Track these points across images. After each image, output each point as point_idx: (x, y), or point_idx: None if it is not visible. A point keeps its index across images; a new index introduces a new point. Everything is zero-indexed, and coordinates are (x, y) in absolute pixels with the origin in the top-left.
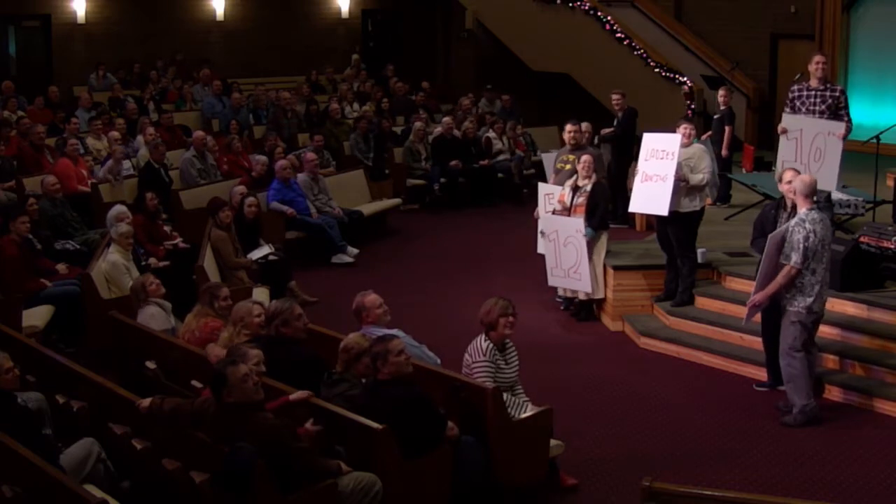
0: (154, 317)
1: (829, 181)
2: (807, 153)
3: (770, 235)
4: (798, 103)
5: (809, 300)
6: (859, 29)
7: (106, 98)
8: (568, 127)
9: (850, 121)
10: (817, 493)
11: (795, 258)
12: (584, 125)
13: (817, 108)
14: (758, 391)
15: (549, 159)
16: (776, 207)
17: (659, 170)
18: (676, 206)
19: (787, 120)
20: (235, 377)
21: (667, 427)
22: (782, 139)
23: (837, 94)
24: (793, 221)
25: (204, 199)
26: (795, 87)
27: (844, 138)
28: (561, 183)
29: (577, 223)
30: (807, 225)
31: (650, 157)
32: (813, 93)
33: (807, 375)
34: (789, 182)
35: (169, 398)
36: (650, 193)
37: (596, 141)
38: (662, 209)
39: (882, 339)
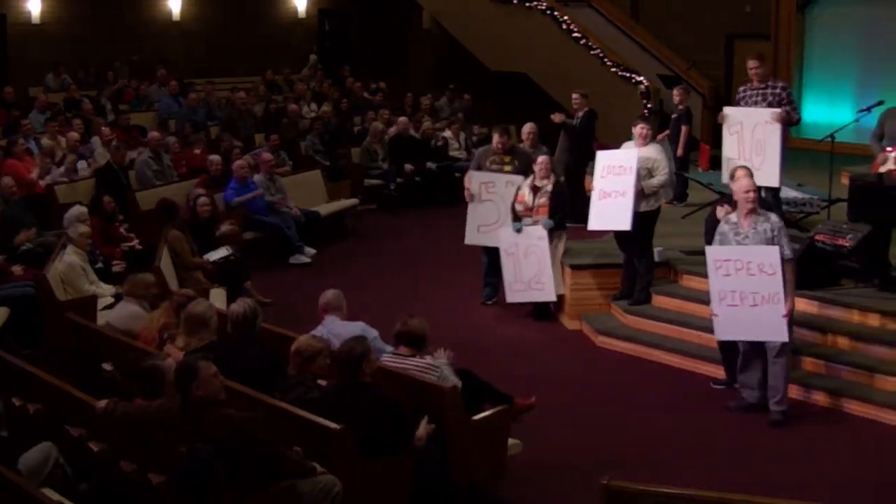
0: (137, 317)
1: (771, 176)
2: (748, 148)
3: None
4: (742, 104)
5: None
6: (814, 28)
7: (62, 99)
8: (496, 138)
9: (794, 111)
10: (776, 491)
11: (789, 252)
12: (530, 126)
13: (760, 105)
14: (715, 389)
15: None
16: (730, 202)
17: (617, 186)
18: (634, 206)
19: (729, 111)
20: (207, 372)
21: (625, 425)
22: (725, 135)
23: (779, 89)
24: (771, 225)
25: None
26: (741, 89)
27: (790, 125)
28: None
29: (539, 231)
30: (778, 220)
31: (607, 173)
32: (755, 91)
33: None
34: (747, 191)
35: (123, 402)
36: (610, 210)
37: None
38: (624, 224)
39: (840, 336)
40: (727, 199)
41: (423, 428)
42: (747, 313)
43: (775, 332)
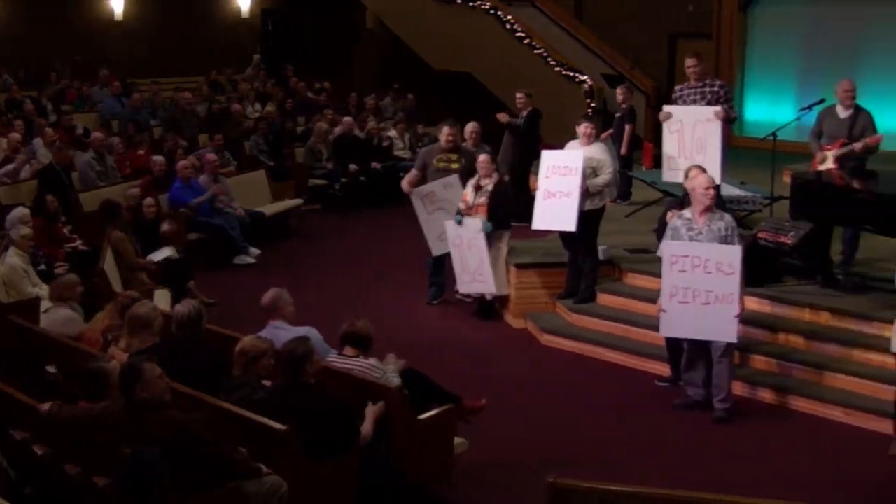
0: (71, 320)
1: (712, 174)
2: (689, 146)
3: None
4: (680, 102)
5: None
6: (756, 28)
7: (3, 100)
8: (446, 130)
9: (731, 109)
10: (723, 488)
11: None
12: (472, 125)
13: (698, 104)
14: (660, 387)
15: (421, 152)
16: (680, 205)
17: (562, 186)
18: (579, 206)
19: (670, 109)
20: (152, 374)
21: (570, 423)
22: (665, 133)
23: (717, 88)
24: (725, 224)
25: None
26: (678, 88)
27: (729, 123)
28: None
29: (477, 224)
30: (732, 220)
31: (551, 173)
32: (693, 90)
33: None
34: (707, 188)
35: (67, 405)
36: (555, 210)
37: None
38: (569, 225)
39: (791, 334)
40: (677, 203)
41: (368, 421)
42: (697, 311)
43: (724, 332)
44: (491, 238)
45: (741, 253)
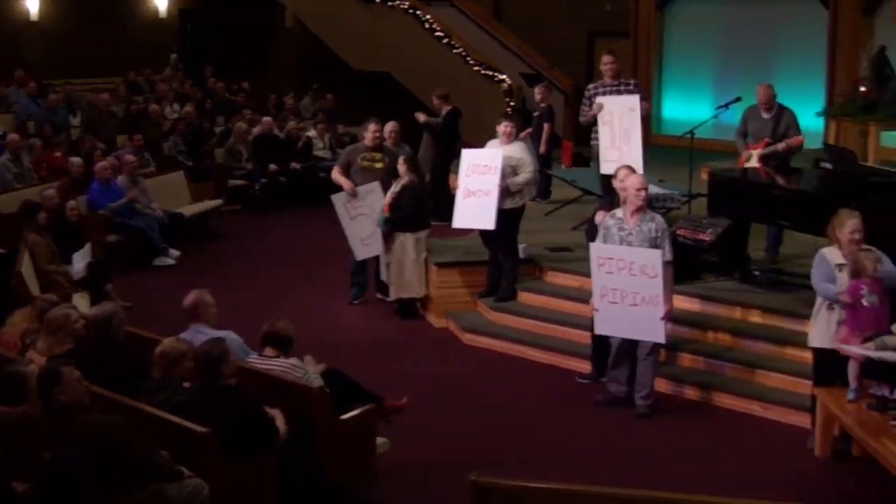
0: None
1: (636, 160)
2: (618, 136)
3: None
4: (595, 101)
5: None
6: (673, 27)
7: None
8: (372, 127)
9: (648, 107)
10: (641, 483)
11: (670, 254)
12: (392, 124)
13: None
14: (581, 384)
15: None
16: (610, 205)
17: (482, 185)
18: (499, 204)
19: (602, 101)
20: (70, 377)
21: (493, 422)
22: (599, 125)
23: (631, 86)
24: (656, 226)
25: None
26: (591, 86)
27: (645, 115)
28: (369, 181)
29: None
30: (664, 222)
31: (471, 172)
32: (608, 88)
33: None
34: (639, 189)
35: None
36: (474, 209)
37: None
38: (489, 223)
39: (721, 332)
40: (608, 203)
41: (280, 420)
42: (626, 312)
43: (652, 332)
44: (404, 239)
45: (668, 256)
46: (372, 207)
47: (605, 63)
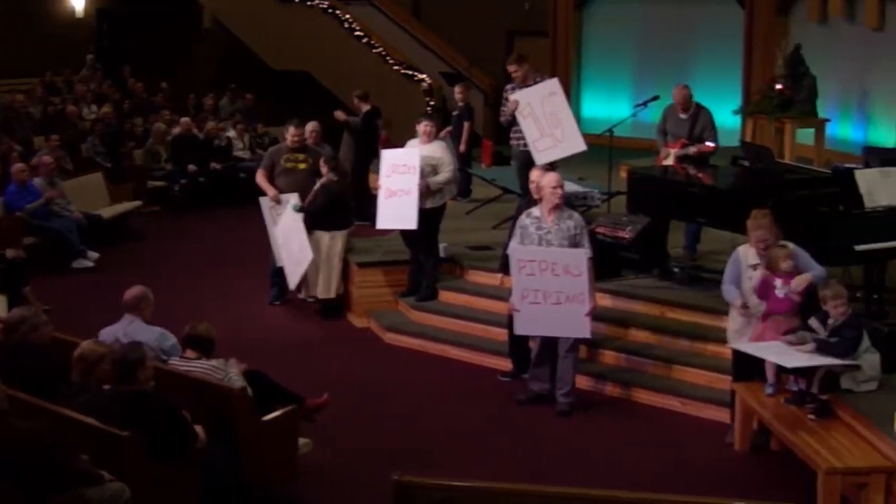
0: None
1: (576, 143)
2: (546, 124)
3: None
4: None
5: None
6: (591, 26)
7: None
8: (292, 130)
9: None
10: (565, 480)
11: (590, 251)
12: (312, 124)
13: None
14: (503, 381)
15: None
16: (528, 203)
17: (402, 185)
18: (420, 203)
19: (516, 96)
20: None
21: (415, 421)
22: (521, 122)
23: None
24: (574, 223)
25: None
26: (508, 86)
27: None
28: (293, 181)
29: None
30: (581, 219)
31: (392, 172)
32: (524, 86)
33: None
34: (555, 186)
35: None
36: (396, 209)
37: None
38: (410, 223)
39: (640, 329)
40: (534, 203)
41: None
42: (550, 311)
43: (577, 329)
44: (319, 237)
45: (588, 252)
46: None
47: (512, 72)
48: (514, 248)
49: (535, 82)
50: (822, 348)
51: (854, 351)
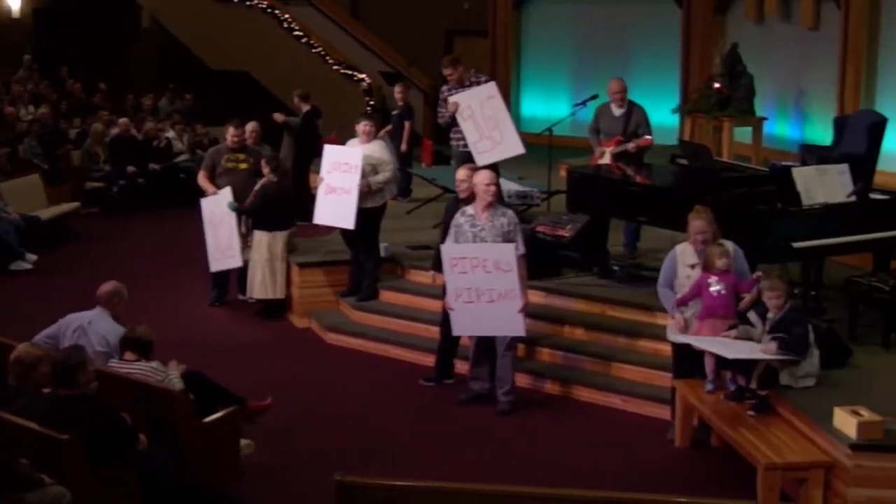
0: None
1: (514, 146)
2: (485, 126)
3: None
4: (449, 101)
5: None
6: (530, 25)
7: None
8: (231, 131)
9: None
10: (507, 478)
11: (523, 248)
12: (252, 124)
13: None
14: (445, 382)
15: (209, 153)
16: (457, 202)
17: (343, 183)
18: (359, 202)
19: (455, 98)
20: None
21: (357, 421)
22: (461, 123)
23: (482, 82)
24: (508, 220)
25: None
26: (445, 87)
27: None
28: (234, 182)
29: (227, 196)
30: (514, 216)
31: (333, 169)
32: (459, 91)
33: None
34: (488, 184)
35: None
36: (335, 206)
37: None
38: (348, 223)
39: (577, 327)
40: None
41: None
42: (484, 309)
43: (511, 327)
44: (260, 238)
45: (521, 249)
46: (229, 216)
47: (447, 75)
48: (446, 247)
49: (471, 83)
50: (782, 346)
51: (808, 347)
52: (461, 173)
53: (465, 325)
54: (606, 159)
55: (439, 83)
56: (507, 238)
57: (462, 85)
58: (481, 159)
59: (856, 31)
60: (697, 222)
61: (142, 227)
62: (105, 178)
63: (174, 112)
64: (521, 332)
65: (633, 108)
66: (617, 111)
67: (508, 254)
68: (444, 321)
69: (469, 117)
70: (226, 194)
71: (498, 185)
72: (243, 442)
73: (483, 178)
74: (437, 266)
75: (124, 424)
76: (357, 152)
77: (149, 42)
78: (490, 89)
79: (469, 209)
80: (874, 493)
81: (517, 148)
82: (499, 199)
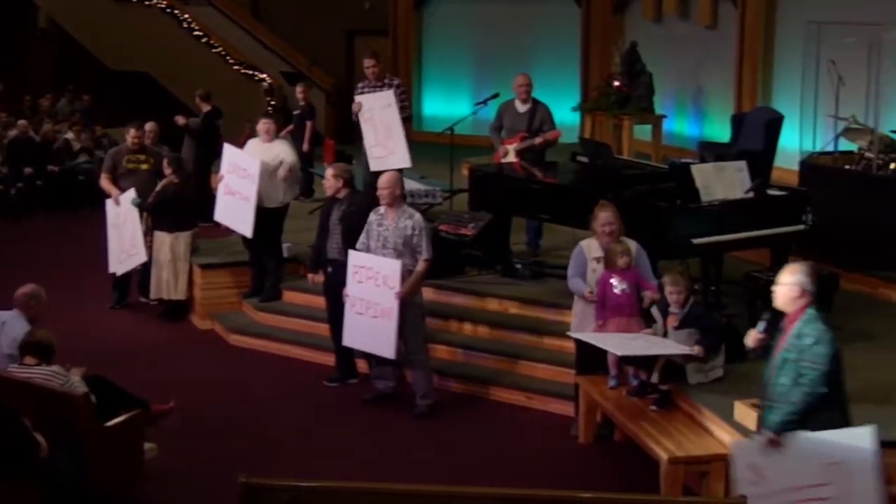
0: None
1: (402, 158)
2: (380, 133)
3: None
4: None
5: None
6: (431, 25)
7: None
8: (133, 132)
9: (404, 109)
10: (416, 478)
11: (427, 253)
12: (150, 125)
13: None
14: (349, 383)
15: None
16: (331, 201)
17: (241, 188)
18: (261, 203)
19: (360, 99)
20: None
21: (262, 423)
22: (361, 124)
23: (393, 86)
24: (413, 223)
25: None
26: (359, 85)
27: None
28: (136, 182)
29: (129, 195)
30: (422, 220)
31: (232, 170)
32: (373, 88)
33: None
34: (384, 187)
35: None
36: (234, 209)
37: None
38: (246, 230)
39: (480, 325)
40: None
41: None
42: (368, 324)
43: (385, 347)
44: (163, 239)
45: (425, 254)
46: (129, 219)
47: (367, 66)
48: (352, 254)
49: (385, 83)
50: (701, 342)
51: (721, 339)
52: (326, 172)
53: (353, 337)
54: (511, 157)
55: (341, 83)
56: (408, 241)
57: (380, 81)
58: (373, 164)
59: (752, 30)
60: (604, 214)
61: (40, 230)
62: (2, 180)
63: (74, 113)
64: (391, 355)
65: (537, 105)
66: (521, 107)
67: (395, 270)
68: (332, 319)
69: (368, 120)
70: (129, 194)
71: (399, 186)
72: (147, 445)
73: (382, 180)
74: (315, 267)
75: (25, 430)
76: (255, 161)
77: (46, 43)
78: (389, 97)
79: (381, 209)
80: None
81: (405, 161)
82: (402, 199)
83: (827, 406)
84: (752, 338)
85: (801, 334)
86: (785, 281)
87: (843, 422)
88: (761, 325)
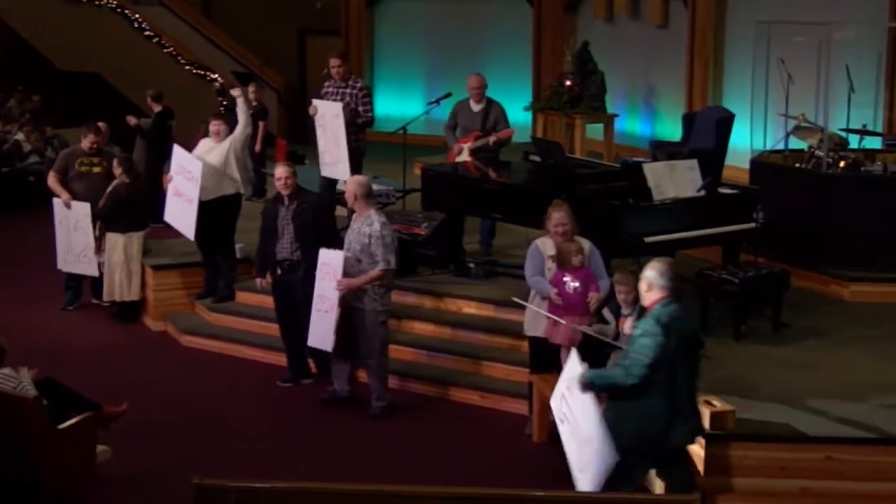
0: None
1: (343, 171)
2: (330, 141)
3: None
4: (326, 99)
5: (388, 297)
6: (383, 24)
7: None
8: (91, 137)
9: (370, 111)
10: (372, 478)
11: (393, 260)
12: (100, 125)
13: (342, 102)
14: (304, 384)
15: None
16: (275, 202)
17: (186, 190)
18: (211, 195)
19: (316, 103)
20: None
21: (216, 424)
22: (317, 128)
23: (357, 89)
24: (371, 231)
25: None
26: (326, 84)
27: (365, 125)
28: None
29: (84, 208)
30: (388, 226)
31: (179, 171)
32: (336, 89)
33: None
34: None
35: None
36: (180, 211)
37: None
38: (189, 232)
39: (425, 323)
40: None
41: None
42: (325, 319)
43: (324, 340)
44: (115, 240)
45: (382, 264)
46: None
47: (333, 66)
48: (322, 252)
49: (350, 84)
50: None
51: None
52: (280, 171)
53: (316, 337)
54: (465, 156)
55: (294, 82)
56: (365, 248)
57: (345, 82)
58: (323, 169)
59: (702, 29)
60: (557, 214)
61: None
62: None
63: (25, 113)
64: (328, 347)
65: (491, 104)
66: (475, 107)
67: (339, 262)
68: (282, 319)
69: (322, 125)
70: (84, 208)
71: (360, 190)
72: (100, 448)
73: (347, 185)
74: (262, 272)
75: None
76: (198, 164)
77: None
78: (337, 109)
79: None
80: (727, 480)
81: (345, 173)
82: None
83: (650, 392)
84: (627, 326)
85: (638, 326)
86: (641, 275)
87: (666, 409)
88: (634, 315)
